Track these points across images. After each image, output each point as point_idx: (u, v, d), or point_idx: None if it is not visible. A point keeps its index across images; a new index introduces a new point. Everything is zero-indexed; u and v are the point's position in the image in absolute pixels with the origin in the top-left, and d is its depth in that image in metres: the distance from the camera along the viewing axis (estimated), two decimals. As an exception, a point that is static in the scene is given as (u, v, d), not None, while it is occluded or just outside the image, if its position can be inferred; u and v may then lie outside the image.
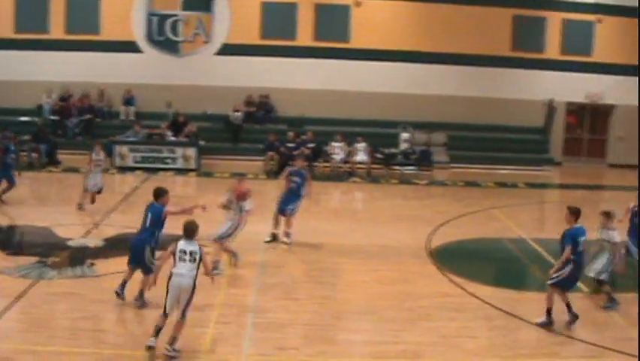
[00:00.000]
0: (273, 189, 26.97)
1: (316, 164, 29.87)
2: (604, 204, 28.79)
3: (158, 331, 11.98)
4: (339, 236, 20.36)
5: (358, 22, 33.50)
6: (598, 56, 35.72)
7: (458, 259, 19.45)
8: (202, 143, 30.32)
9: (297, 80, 33.23)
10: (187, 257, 12.09)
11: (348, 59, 33.53)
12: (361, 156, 30.26)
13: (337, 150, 30.16)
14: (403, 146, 31.85)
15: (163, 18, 33.16)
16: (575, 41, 35.48)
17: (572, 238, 14.23)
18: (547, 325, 14.28)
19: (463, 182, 29.99)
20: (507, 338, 14.05)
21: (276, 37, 33.42)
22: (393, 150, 31.38)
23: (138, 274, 14.22)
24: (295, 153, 29.25)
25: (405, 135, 32.14)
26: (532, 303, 15.99)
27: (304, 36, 33.58)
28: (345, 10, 33.45)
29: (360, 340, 13.56)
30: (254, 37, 33.29)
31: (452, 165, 32.69)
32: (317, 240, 19.97)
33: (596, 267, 15.76)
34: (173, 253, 12.15)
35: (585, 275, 15.28)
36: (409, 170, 30.86)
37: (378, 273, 17.57)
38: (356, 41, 33.58)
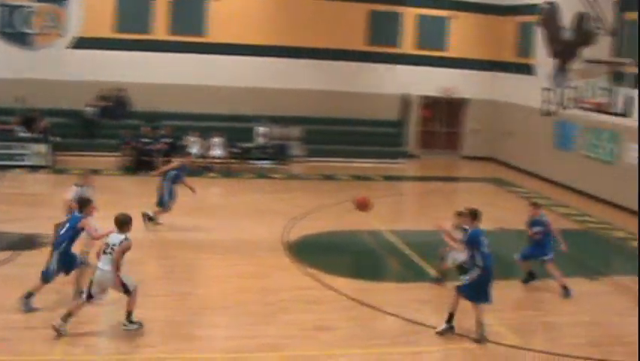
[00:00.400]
0: (128, 185, 26.84)
1: (172, 159, 29.66)
2: (458, 195, 30.01)
3: None
4: (197, 231, 20.37)
5: (215, 16, 33.27)
6: (452, 51, 36.68)
7: (315, 252, 19.76)
8: (55, 139, 29.60)
9: (152, 74, 32.71)
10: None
11: (204, 53, 33.22)
12: (218, 151, 30.22)
13: (193, 144, 30.01)
14: (260, 140, 31.96)
15: (14, 9, 32.13)
16: (429, 36, 36.27)
17: (472, 239, 14.16)
18: (448, 331, 14.10)
19: (320, 175, 30.32)
20: (364, 329, 14.44)
21: (130, 30, 32.85)
22: (249, 145, 31.46)
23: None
24: (150, 148, 29.11)
25: (261, 130, 32.22)
26: (387, 293, 16.50)
27: (159, 30, 33.07)
28: (201, 3, 33.20)
29: (219, 335, 13.71)
30: (108, 31, 32.61)
31: (309, 158, 32.93)
32: (174, 236, 19.97)
33: (456, 256, 16.34)
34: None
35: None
36: (266, 164, 31.03)
37: (237, 268, 17.70)
38: (212, 35, 33.35)
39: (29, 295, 13.78)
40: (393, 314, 15.04)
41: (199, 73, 33.07)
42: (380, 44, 35.68)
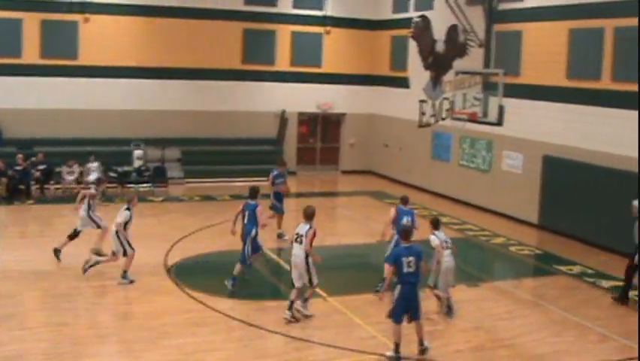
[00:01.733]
0: (2, 215, 25.96)
1: (48, 186, 28.92)
2: (337, 210, 30.14)
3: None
4: (75, 259, 19.71)
5: (87, 39, 32.48)
6: (327, 66, 36.93)
7: (197, 274, 19.60)
8: None
9: (25, 99, 31.80)
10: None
11: (76, 77, 32.45)
12: (94, 176, 29.48)
13: (68, 173, 29.29)
14: (137, 163, 31.41)
15: None
16: (305, 53, 36.43)
17: (392, 257, 14.10)
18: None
19: (199, 196, 30.00)
20: (248, 348, 14.33)
21: (0, 54, 31.86)
22: (127, 168, 30.87)
23: None
24: (25, 175, 28.29)
25: (138, 152, 31.70)
26: (272, 312, 16.36)
27: (30, 53, 32.16)
28: (73, 26, 32.39)
29: (100, 364, 13.33)
30: (-25, 56, 31.62)
31: (187, 180, 32.61)
32: (52, 265, 19.35)
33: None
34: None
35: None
36: (144, 187, 30.52)
37: (117, 294, 17.33)
38: (84, 58, 32.60)
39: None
40: (278, 333, 14.93)
41: (73, 97, 32.25)
42: (256, 62, 35.60)
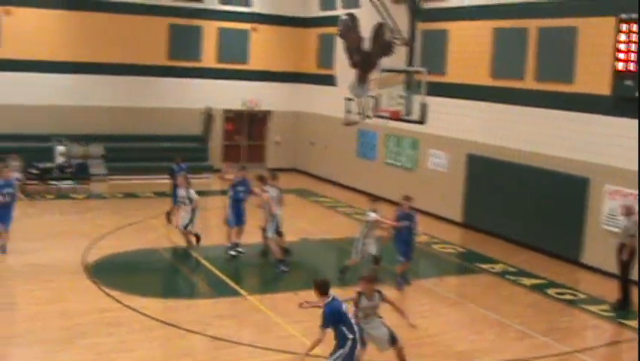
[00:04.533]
0: None
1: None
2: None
3: None
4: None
5: (7, 31, 31.78)
6: (253, 63, 36.68)
7: (115, 272, 19.15)
8: None
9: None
10: None
11: (-3, 70, 31.85)
12: (14, 172, 28.81)
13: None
14: (59, 160, 30.75)
15: None
16: (231, 49, 36.15)
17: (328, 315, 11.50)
18: None
19: (122, 194, 29.52)
20: (166, 348, 14.10)
21: None
22: (49, 165, 30.20)
23: None
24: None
25: (60, 149, 31.04)
26: (191, 310, 16.19)
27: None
28: (-8, 18, 31.75)
29: (10, 366, 12.95)
30: None
31: (111, 177, 32.04)
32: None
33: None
34: None
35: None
36: (66, 184, 29.82)
37: (31, 293, 16.85)
38: (6, 51, 31.86)
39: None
40: (196, 332, 14.70)
41: (-7, 91, 31.56)
42: (181, 58, 35.22)
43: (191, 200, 20.62)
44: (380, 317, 12.64)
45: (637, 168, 19.23)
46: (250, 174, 21.68)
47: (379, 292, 12.55)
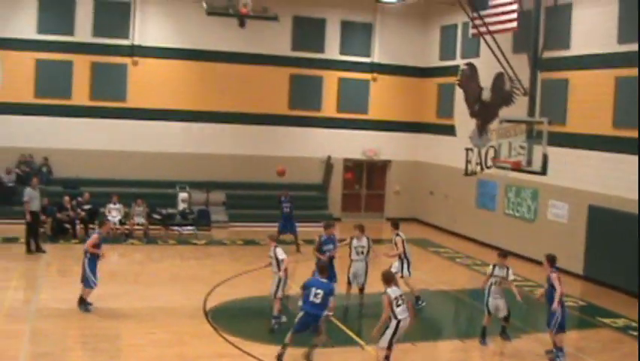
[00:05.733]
0: (48, 255, 25.99)
1: (92, 226, 29.07)
2: (382, 258, 29.82)
3: None
4: (114, 300, 19.80)
5: (135, 81, 32.98)
6: (373, 113, 36.94)
7: (235, 318, 19.34)
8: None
9: (73, 140, 32.29)
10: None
11: (124, 119, 32.90)
12: (139, 217, 29.66)
13: (114, 211, 29.46)
14: (181, 206, 31.51)
15: None
16: (351, 99, 36.51)
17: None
18: None
19: (242, 240, 30.00)
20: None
21: (50, 95, 32.32)
22: (171, 210, 30.96)
23: None
24: (70, 215, 28.52)
25: (183, 195, 31.82)
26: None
27: (80, 95, 32.63)
28: (122, 69, 32.89)
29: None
30: (28, 96, 32.08)
31: (231, 223, 32.66)
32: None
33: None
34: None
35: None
36: (188, 230, 30.50)
37: (153, 336, 17.21)
38: (133, 100, 33.05)
39: None
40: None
41: (119, 138, 32.78)
42: (302, 108, 35.75)
43: (278, 262, 18.31)
44: None
45: None
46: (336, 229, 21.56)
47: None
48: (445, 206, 35.04)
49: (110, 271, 20.92)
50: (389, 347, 14.59)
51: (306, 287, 15.49)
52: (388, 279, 14.92)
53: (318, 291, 15.22)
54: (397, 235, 20.92)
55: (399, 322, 14.53)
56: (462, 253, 29.70)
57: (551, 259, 17.40)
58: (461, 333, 19.47)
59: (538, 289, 18.64)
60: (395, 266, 20.40)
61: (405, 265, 20.65)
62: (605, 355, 17.86)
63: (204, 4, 27.77)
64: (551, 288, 16.78)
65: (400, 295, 14.77)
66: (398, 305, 14.57)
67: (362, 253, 20.37)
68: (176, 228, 30.43)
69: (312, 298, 15.18)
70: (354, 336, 17.97)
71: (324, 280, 15.74)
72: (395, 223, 21.57)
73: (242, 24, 27.81)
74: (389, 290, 14.67)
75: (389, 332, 14.57)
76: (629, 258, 23.53)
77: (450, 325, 21.42)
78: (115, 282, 21.64)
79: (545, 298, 17.22)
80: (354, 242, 20.48)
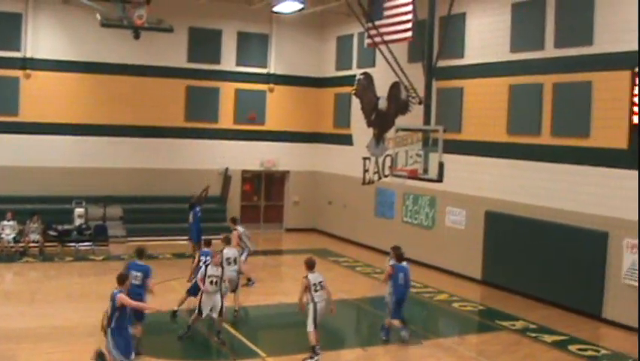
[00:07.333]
0: None
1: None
2: (283, 268, 29.90)
3: None
4: (9, 320, 19.28)
5: (28, 95, 32.13)
6: (271, 124, 36.96)
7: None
8: None
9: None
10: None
11: (17, 133, 31.99)
12: (34, 234, 28.95)
13: (8, 229, 28.69)
14: (78, 221, 30.84)
15: None
16: (248, 110, 36.43)
17: None
18: None
19: (141, 255, 29.51)
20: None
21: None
22: (67, 227, 30.31)
23: None
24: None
25: (79, 210, 31.16)
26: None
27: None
28: (14, 82, 32.01)
29: None
30: None
31: (129, 238, 32.14)
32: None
33: None
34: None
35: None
36: (85, 246, 29.94)
37: (51, 356, 16.85)
38: (25, 114, 32.17)
39: None
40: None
41: (13, 154, 31.81)
42: (199, 120, 35.51)
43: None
44: None
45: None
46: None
47: None
48: (343, 215, 35.23)
49: (5, 291, 20.36)
50: (315, 327, 16.91)
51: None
52: (310, 265, 17.44)
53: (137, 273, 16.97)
54: (235, 229, 24.30)
55: (315, 304, 16.92)
56: (361, 262, 29.93)
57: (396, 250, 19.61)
58: (363, 341, 19.55)
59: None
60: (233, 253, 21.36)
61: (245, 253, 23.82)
62: (505, 357, 18.19)
63: (98, 16, 27.26)
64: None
65: (320, 282, 17.17)
66: (316, 291, 17.02)
67: (232, 263, 20.86)
68: (72, 244, 29.82)
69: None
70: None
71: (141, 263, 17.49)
72: (233, 219, 25.75)
73: (137, 36, 27.42)
74: (310, 275, 17.10)
75: (311, 315, 16.96)
76: (526, 262, 24.05)
77: (352, 333, 21.52)
78: (10, 302, 21.10)
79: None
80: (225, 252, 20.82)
